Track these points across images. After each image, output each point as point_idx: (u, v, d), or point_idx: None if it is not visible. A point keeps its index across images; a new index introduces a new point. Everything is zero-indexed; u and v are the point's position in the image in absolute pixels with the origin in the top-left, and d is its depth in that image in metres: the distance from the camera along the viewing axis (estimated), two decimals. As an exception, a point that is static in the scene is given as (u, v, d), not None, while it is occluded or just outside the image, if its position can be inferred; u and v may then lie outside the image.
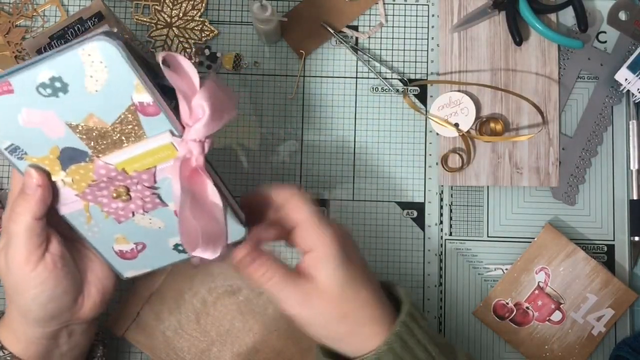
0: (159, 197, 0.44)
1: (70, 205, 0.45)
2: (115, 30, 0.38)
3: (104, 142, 0.41)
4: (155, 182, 0.43)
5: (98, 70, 0.37)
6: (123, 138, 0.41)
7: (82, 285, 0.48)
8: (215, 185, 0.43)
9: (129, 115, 0.39)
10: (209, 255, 0.43)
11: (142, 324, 0.60)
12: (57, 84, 0.37)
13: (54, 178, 0.43)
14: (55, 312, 0.46)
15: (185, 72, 0.42)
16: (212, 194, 0.43)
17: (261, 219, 0.49)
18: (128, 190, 0.44)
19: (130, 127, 0.40)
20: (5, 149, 0.41)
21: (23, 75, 0.37)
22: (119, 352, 0.61)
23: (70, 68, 0.37)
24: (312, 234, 0.46)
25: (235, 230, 0.47)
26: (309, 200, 0.48)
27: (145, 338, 0.60)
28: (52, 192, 0.44)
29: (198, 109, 0.41)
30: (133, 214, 0.45)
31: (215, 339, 0.60)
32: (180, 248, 0.48)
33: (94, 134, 0.40)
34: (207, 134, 0.42)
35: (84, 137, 0.40)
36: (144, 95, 0.38)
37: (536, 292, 0.61)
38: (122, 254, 0.48)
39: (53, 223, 0.46)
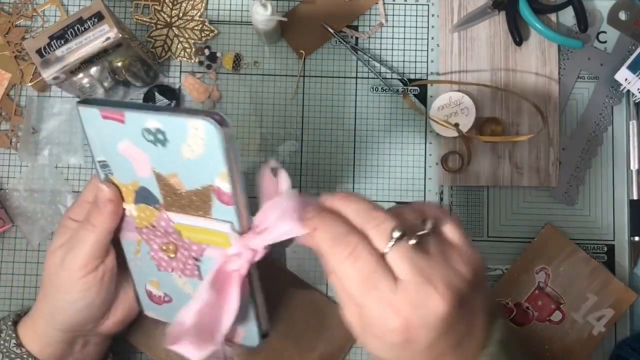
0: (199, 269, 0.46)
1: (128, 232, 0.48)
2: (224, 118, 0.39)
3: (175, 200, 0.43)
4: (201, 255, 0.45)
5: (197, 143, 0.39)
6: (191, 206, 0.43)
7: (114, 302, 0.50)
8: (250, 288, 0.44)
9: (205, 193, 0.42)
10: (187, 353, 0.41)
11: (142, 324, 0.60)
12: (160, 136, 0.41)
13: (125, 205, 0.46)
14: (85, 320, 0.48)
15: (278, 181, 0.42)
16: (233, 301, 0.42)
17: None
18: (176, 249, 0.46)
19: (201, 201, 0.42)
20: (99, 161, 0.45)
21: (136, 114, 0.41)
22: (118, 352, 0.61)
23: (176, 130, 0.40)
24: (359, 308, 0.37)
25: (251, 336, 0.47)
26: (356, 267, 0.36)
27: (145, 338, 0.60)
28: (122, 211, 0.46)
29: (271, 221, 0.40)
30: (172, 270, 0.47)
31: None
32: None
33: (170, 190, 0.43)
34: (265, 245, 0.42)
35: (162, 187, 0.43)
36: (225, 185, 0.40)
37: (536, 292, 0.61)
38: (150, 295, 0.50)
39: (113, 238, 0.48)
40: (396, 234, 0.36)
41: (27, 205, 0.62)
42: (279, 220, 0.40)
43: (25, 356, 0.49)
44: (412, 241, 0.36)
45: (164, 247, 0.46)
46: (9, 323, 0.51)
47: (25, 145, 0.62)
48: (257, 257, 0.43)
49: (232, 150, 0.40)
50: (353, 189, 0.63)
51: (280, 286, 0.61)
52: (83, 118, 0.44)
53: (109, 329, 0.51)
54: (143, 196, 0.45)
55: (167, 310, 0.51)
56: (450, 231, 0.39)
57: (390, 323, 0.35)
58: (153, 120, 0.40)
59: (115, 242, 0.48)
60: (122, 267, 0.50)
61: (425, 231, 0.37)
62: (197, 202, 0.42)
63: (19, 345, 0.49)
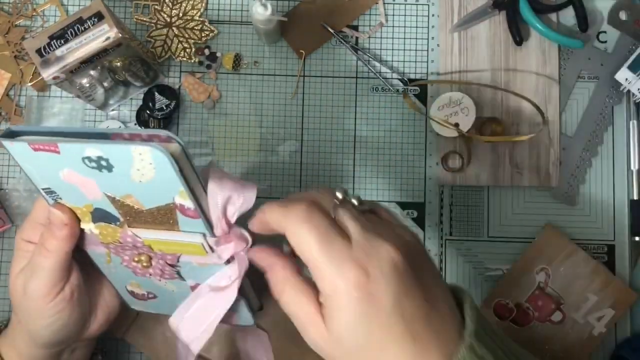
0: (178, 273, 0.45)
1: (93, 246, 0.46)
2: (170, 135, 0.38)
3: (137, 217, 0.41)
4: (177, 261, 0.44)
5: (146, 167, 0.37)
6: (155, 222, 0.41)
7: (91, 309, 0.49)
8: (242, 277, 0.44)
9: (167, 209, 0.40)
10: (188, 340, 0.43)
11: (141, 325, 0.60)
12: (103, 163, 0.38)
13: (82, 225, 0.44)
14: (65, 338, 0.47)
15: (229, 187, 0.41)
16: (228, 302, 0.43)
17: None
18: (150, 259, 0.44)
19: (165, 217, 0.40)
20: (43, 189, 0.42)
21: (71, 146, 0.37)
22: (118, 353, 0.61)
23: (120, 156, 0.37)
24: (320, 278, 0.36)
25: (244, 317, 0.48)
26: (310, 227, 0.36)
27: (144, 339, 0.60)
28: (78, 231, 0.44)
29: (224, 199, 0.40)
30: (150, 275, 0.46)
31: (215, 339, 0.60)
32: None
33: (129, 209, 0.41)
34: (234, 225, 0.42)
35: (119, 207, 0.41)
36: (187, 202, 0.39)
37: (536, 292, 0.61)
38: (133, 294, 0.50)
39: (76, 249, 0.46)
40: (339, 194, 0.38)
41: (27, 205, 0.62)
42: (233, 196, 0.40)
43: None
44: (354, 201, 0.39)
45: (136, 259, 0.45)
46: None
47: (25, 145, 0.62)
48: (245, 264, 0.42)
49: (186, 166, 0.38)
50: (353, 189, 0.63)
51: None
52: (13, 153, 0.39)
53: (94, 333, 0.50)
54: (100, 216, 0.42)
55: (154, 305, 0.50)
56: (385, 213, 0.40)
57: (348, 273, 0.35)
58: (92, 149, 0.37)
59: (79, 252, 0.46)
60: (89, 271, 0.48)
61: (365, 205, 0.39)
62: (161, 217, 0.41)
63: None
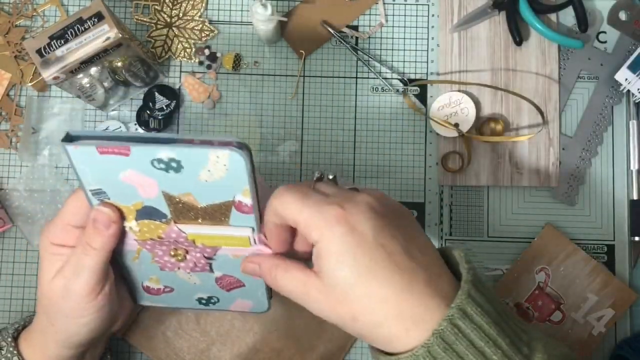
0: (210, 265, 0.46)
1: (125, 244, 0.46)
2: (241, 142, 0.39)
3: (187, 214, 0.42)
4: (214, 254, 0.45)
5: (218, 169, 0.39)
6: (206, 218, 0.42)
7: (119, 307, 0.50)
8: None
9: (223, 206, 0.41)
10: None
11: (142, 324, 0.60)
12: (173, 164, 0.39)
13: (124, 223, 0.44)
14: (98, 336, 0.48)
15: None
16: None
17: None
18: (186, 253, 0.45)
19: (218, 213, 0.42)
20: (91, 190, 0.42)
21: (146, 148, 0.38)
22: (119, 352, 0.61)
23: (194, 159, 0.38)
24: (307, 224, 0.39)
25: (260, 304, 0.50)
26: (291, 192, 0.40)
27: (145, 338, 0.60)
28: (122, 228, 0.44)
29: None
30: (178, 269, 0.47)
31: (215, 339, 0.60)
32: (203, 302, 0.50)
33: (183, 206, 0.42)
34: None
35: (171, 205, 0.42)
36: (247, 199, 0.40)
37: (536, 292, 0.61)
38: (147, 289, 0.50)
39: None
40: (317, 173, 0.44)
41: (27, 205, 0.62)
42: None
43: None
44: (330, 176, 0.44)
45: (173, 253, 0.46)
46: (9, 339, 0.49)
47: (25, 145, 0.62)
48: None
49: (253, 169, 0.39)
50: (353, 189, 0.63)
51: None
52: (72, 156, 0.39)
53: (117, 328, 0.52)
54: (147, 213, 0.43)
55: (167, 299, 0.50)
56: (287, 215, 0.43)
57: (328, 212, 0.38)
58: (167, 151, 0.38)
59: None
60: (116, 270, 0.48)
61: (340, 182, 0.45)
62: (212, 213, 0.42)
63: None
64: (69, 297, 0.45)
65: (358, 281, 0.38)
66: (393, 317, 0.38)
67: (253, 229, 0.43)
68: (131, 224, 0.44)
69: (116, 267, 0.48)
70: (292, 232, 0.43)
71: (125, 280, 0.50)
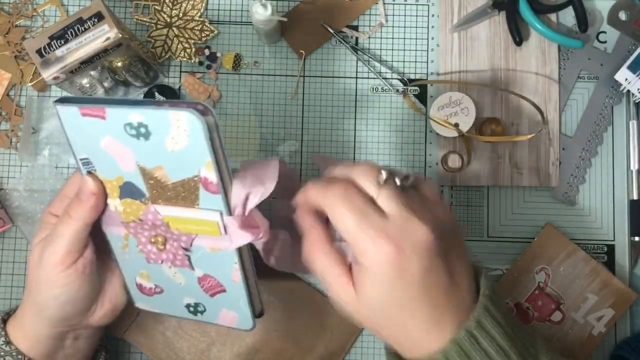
0: (189, 259, 0.46)
1: (113, 227, 0.47)
2: (206, 106, 0.40)
3: (162, 193, 0.43)
4: (190, 245, 0.45)
5: (181, 135, 0.39)
6: (178, 197, 0.43)
7: (99, 293, 0.50)
8: (242, 273, 0.46)
9: (191, 183, 0.42)
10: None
11: (141, 324, 0.60)
12: (142, 130, 0.40)
13: (109, 201, 0.46)
14: (69, 314, 0.48)
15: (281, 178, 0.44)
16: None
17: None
18: (165, 241, 0.46)
19: (188, 192, 0.42)
20: (81, 159, 0.45)
21: (118, 110, 0.40)
22: (119, 352, 0.61)
23: (158, 122, 0.40)
24: (356, 248, 0.39)
25: (245, 320, 0.49)
26: (349, 203, 0.39)
27: (145, 338, 0.60)
28: (104, 204, 0.46)
29: (247, 186, 0.43)
30: (162, 262, 0.47)
31: (215, 339, 0.60)
32: (191, 309, 0.50)
33: (156, 182, 0.43)
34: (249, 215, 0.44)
35: (147, 181, 0.43)
36: (211, 174, 0.41)
37: (536, 292, 0.61)
38: (140, 288, 0.50)
39: (94, 233, 0.48)
40: (384, 176, 0.40)
41: (27, 205, 0.62)
42: (255, 185, 0.42)
43: (14, 354, 0.49)
44: (398, 180, 0.41)
45: (153, 240, 0.46)
46: None
47: (25, 145, 0.62)
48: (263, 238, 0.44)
49: (216, 139, 0.40)
50: (353, 189, 0.63)
51: (277, 279, 0.61)
52: (62, 118, 0.43)
53: (98, 321, 0.51)
54: (128, 191, 0.44)
55: (159, 301, 0.51)
56: (428, 189, 0.43)
57: (383, 248, 0.38)
58: (135, 114, 0.40)
59: (96, 235, 0.48)
60: (104, 259, 0.49)
61: (409, 181, 0.41)
62: (184, 193, 0.43)
63: (8, 343, 0.49)
64: (41, 264, 0.46)
65: (392, 312, 0.39)
66: (415, 329, 0.40)
67: (221, 213, 0.42)
68: (115, 202, 0.45)
69: (107, 257, 0.49)
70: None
71: (121, 276, 0.50)
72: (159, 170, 0.42)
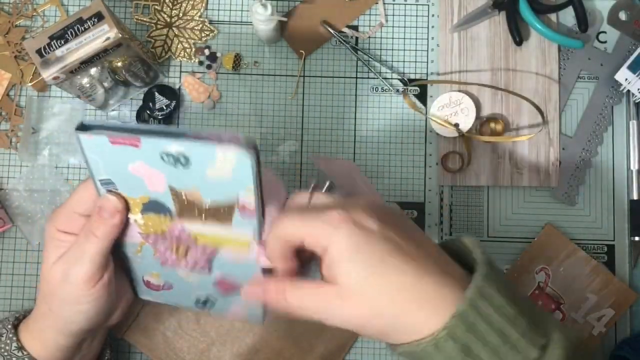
0: (210, 265, 0.46)
1: (129, 236, 0.47)
2: (250, 139, 0.39)
3: (192, 211, 0.42)
4: (214, 255, 0.45)
5: (225, 167, 0.38)
6: (210, 217, 0.42)
7: (120, 298, 0.50)
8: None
9: (228, 207, 0.41)
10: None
11: (142, 324, 0.60)
12: (182, 159, 0.39)
13: (130, 215, 0.45)
14: (95, 325, 0.49)
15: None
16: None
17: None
18: (187, 250, 0.45)
19: (222, 214, 0.42)
20: (100, 179, 0.43)
21: (156, 140, 0.38)
22: (119, 352, 0.61)
23: (202, 155, 0.38)
24: (313, 234, 0.39)
25: (255, 315, 0.49)
26: (289, 214, 0.41)
27: (145, 338, 0.60)
28: (126, 219, 0.45)
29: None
30: (179, 266, 0.47)
31: (215, 339, 0.60)
32: (200, 304, 0.50)
33: (189, 204, 0.42)
34: None
35: (178, 201, 0.42)
36: (250, 200, 0.40)
37: (536, 292, 0.61)
38: (147, 284, 0.50)
39: None
40: (313, 182, 0.44)
41: (27, 205, 0.62)
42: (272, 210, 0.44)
43: (26, 359, 0.49)
44: (327, 183, 0.45)
45: (174, 249, 0.46)
46: (9, 326, 0.50)
47: (25, 145, 0.62)
48: None
49: (259, 169, 0.39)
50: (353, 189, 0.63)
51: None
52: (85, 145, 0.40)
53: (114, 322, 0.52)
54: (153, 207, 0.43)
55: (166, 295, 0.51)
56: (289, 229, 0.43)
57: (330, 215, 0.39)
58: (176, 146, 0.38)
59: None
60: (117, 261, 0.49)
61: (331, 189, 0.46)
62: (218, 215, 0.42)
63: (20, 348, 0.49)
64: (68, 283, 0.46)
65: (374, 274, 0.38)
66: (412, 304, 0.38)
67: (254, 235, 0.43)
68: (137, 216, 0.45)
69: (117, 259, 0.48)
70: (295, 254, 0.42)
71: (127, 273, 0.50)
72: (194, 194, 0.41)
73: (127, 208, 0.44)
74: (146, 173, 0.41)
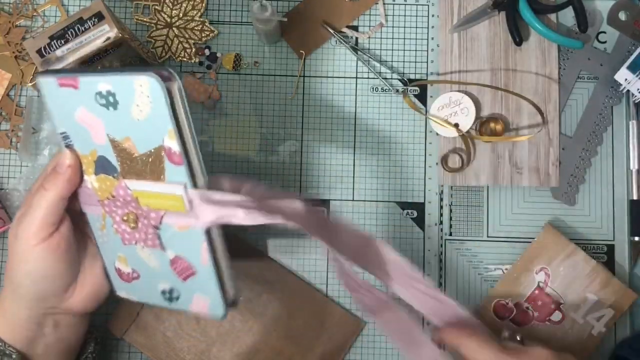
0: (159, 238, 0.46)
1: (91, 207, 0.48)
2: (172, 72, 0.41)
3: (131, 166, 0.43)
4: (160, 223, 0.45)
5: (144, 102, 0.40)
6: (146, 171, 0.43)
7: (77, 276, 0.49)
8: (212, 254, 0.45)
9: (157, 155, 0.42)
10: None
11: (142, 324, 0.60)
12: (111, 99, 0.41)
13: (85, 177, 0.46)
14: (43, 293, 0.47)
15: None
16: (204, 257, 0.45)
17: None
18: (137, 219, 0.46)
19: (154, 164, 0.42)
20: (60, 133, 0.46)
21: (88, 78, 0.41)
22: (119, 352, 0.61)
23: (124, 90, 0.40)
24: None
25: (216, 305, 0.47)
26: (487, 343, 0.50)
27: (145, 338, 0.60)
28: (80, 179, 0.46)
29: (231, 200, 0.43)
30: (135, 242, 0.47)
31: (215, 339, 0.60)
32: (166, 295, 0.49)
33: (126, 155, 0.43)
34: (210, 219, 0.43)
35: (118, 154, 0.44)
36: (174, 143, 0.41)
37: (536, 292, 0.61)
38: (119, 273, 0.50)
39: (76, 214, 0.48)
40: (506, 333, 0.58)
41: (27, 205, 0.62)
42: (234, 206, 0.42)
43: None
44: (518, 337, 0.56)
45: (125, 218, 0.46)
46: None
47: (25, 145, 0.62)
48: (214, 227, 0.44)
49: (179, 106, 0.39)
50: (353, 189, 0.63)
51: (273, 277, 0.61)
52: (43, 89, 0.44)
53: (77, 306, 0.49)
54: (102, 165, 0.45)
55: (137, 288, 0.50)
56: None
57: None
58: (103, 83, 0.40)
59: (79, 219, 0.48)
60: (87, 241, 0.50)
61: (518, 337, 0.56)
62: (151, 165, 0.42)
63: None
64: (17, 237, 0.46)
65: None
66: None
67: (185, 186, 0.42)
68: (91, 177, 0.46)
69: (88, 240, 0.50)
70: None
71: (102, 261, 0.50)
72: (127, 142, 0.42)
73: (80, 165, 0.46)
74: (88, 120, 0.43)
